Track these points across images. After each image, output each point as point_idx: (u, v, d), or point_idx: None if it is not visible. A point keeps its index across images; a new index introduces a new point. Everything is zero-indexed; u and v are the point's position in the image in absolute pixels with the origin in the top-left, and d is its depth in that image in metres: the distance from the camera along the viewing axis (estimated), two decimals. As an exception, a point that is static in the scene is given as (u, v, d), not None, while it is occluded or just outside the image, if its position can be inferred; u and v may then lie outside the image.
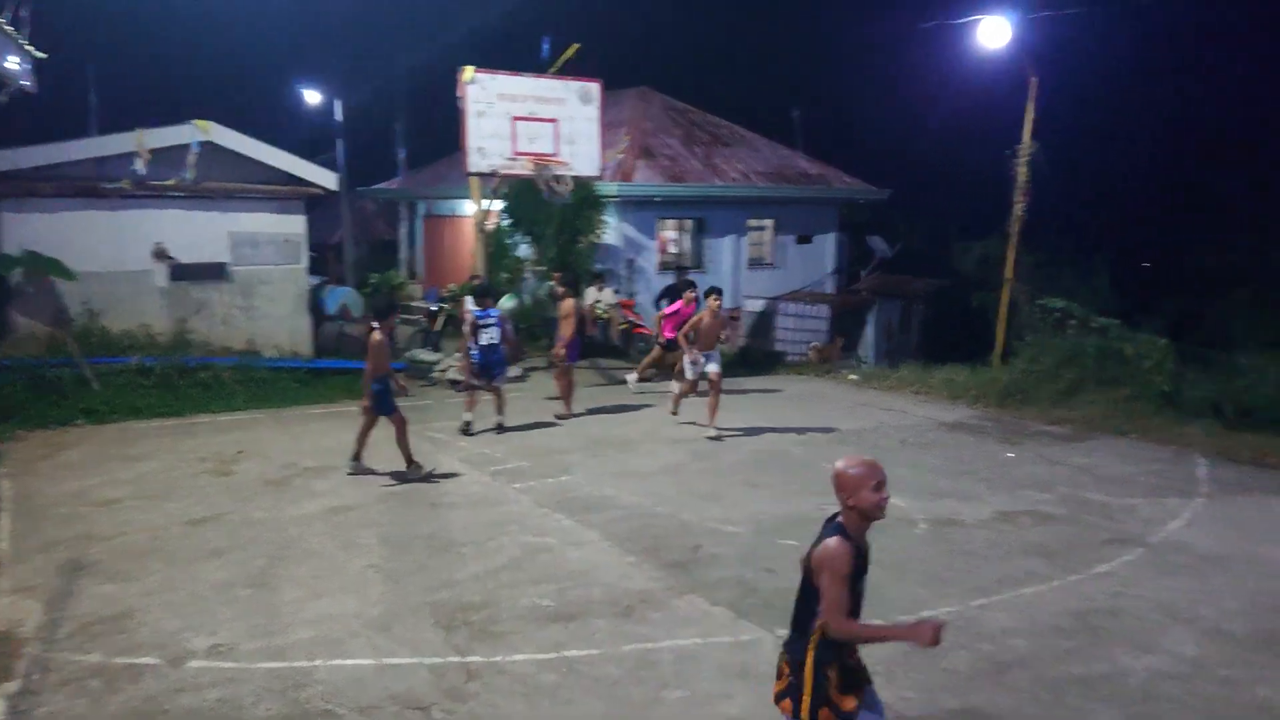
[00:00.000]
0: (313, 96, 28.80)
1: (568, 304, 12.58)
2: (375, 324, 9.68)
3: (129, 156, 13.71)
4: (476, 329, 11.43)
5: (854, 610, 3.63)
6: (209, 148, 14.23)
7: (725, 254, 20.75)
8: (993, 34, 15.38)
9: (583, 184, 17.08)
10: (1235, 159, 25.02)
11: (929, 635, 3.44)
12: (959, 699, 5.21)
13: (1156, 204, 26.20)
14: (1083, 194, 24.89)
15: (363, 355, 15.49)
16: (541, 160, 15.44)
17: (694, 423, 11.63)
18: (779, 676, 3.80)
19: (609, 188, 18.22)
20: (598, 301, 17.33)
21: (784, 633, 5.93)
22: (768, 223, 21.55)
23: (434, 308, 17.61)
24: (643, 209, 19.40)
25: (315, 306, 16.36)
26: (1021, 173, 15.68)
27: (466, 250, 18.96)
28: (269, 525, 8.08)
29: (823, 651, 3.60)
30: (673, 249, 20.65)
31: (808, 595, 3.67)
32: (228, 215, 14.68)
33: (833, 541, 3.58)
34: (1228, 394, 12.56)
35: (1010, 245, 15.98)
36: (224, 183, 14.55)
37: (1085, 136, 25.27)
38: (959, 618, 6.18)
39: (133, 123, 14.07)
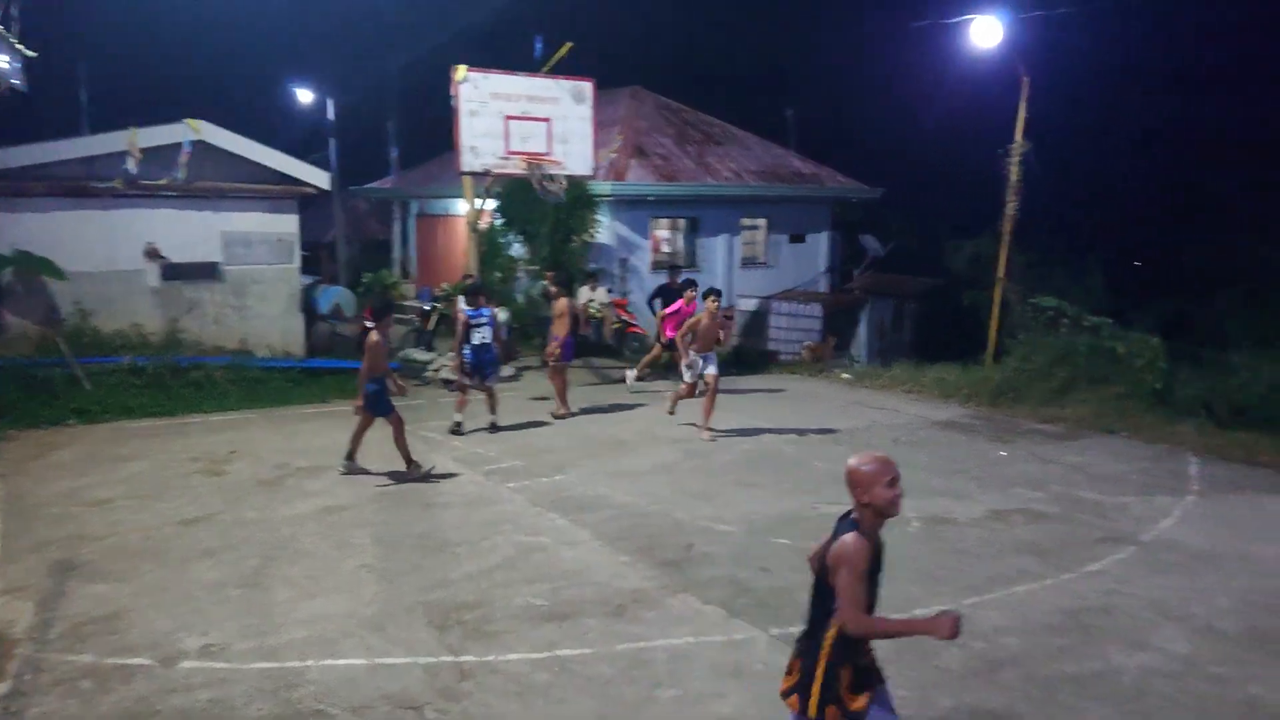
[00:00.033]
0: (305, 95, 28.76)
1: (562, 303, 12.58)
2: (369, 323, 9.65)
3: (120, 156, 13.67)
4: (469, 328, 11.42)
5: (871, 603, 3.63)
6: (201, 147, 14.20)
7: (718, 253, 20.76)
8: (985, 34, 15.40)
9: (576, 183, 17.08)
10: (1228, 158, 25.07)
11: (948, 628, 3.44)
12: (952, 697, 5.22)
13: (1149, 203, 26.24)
14: (1075, 193, 24.92)
15: (356, 355, 15.52)
16: (535, 159, 15.43)
17: (693, 424, 11.61)
18: (789, 672, 3.79)
19: (602, 187, 18.21)
20: (591, 301, 17.33)
21: (777, 631, 5.99)
22: (761, 222, 21.57)
23: (427, 307, 17.59)
24: (636, 208, 19.40)
25: (308, 306, 16.34)
26: (1013, 172, 15.70)
27: (459, 249, 18.95)
28: (261, 525, 8.06)
29: (837, 651, 3.59)
30: (666, 248, 20.65)
31: (822, 594, 3.66)
32: (220, 215, 14.65)
33: (850, 538, 3.57)
34: (1219, 393, 12.60)
35: (1002, 244, 16.01)
36: (216, 182, 14.52)
37: (1077, 136, 25.31)
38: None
39: (124, 122, 14.04)
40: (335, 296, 17.50)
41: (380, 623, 6.12)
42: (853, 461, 3.70)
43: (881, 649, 5.77)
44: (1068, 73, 22.82)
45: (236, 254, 14.83)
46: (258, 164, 14.86)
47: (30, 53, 12.77)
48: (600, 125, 17.35)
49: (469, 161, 15.16)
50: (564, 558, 7.35)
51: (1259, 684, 5.45)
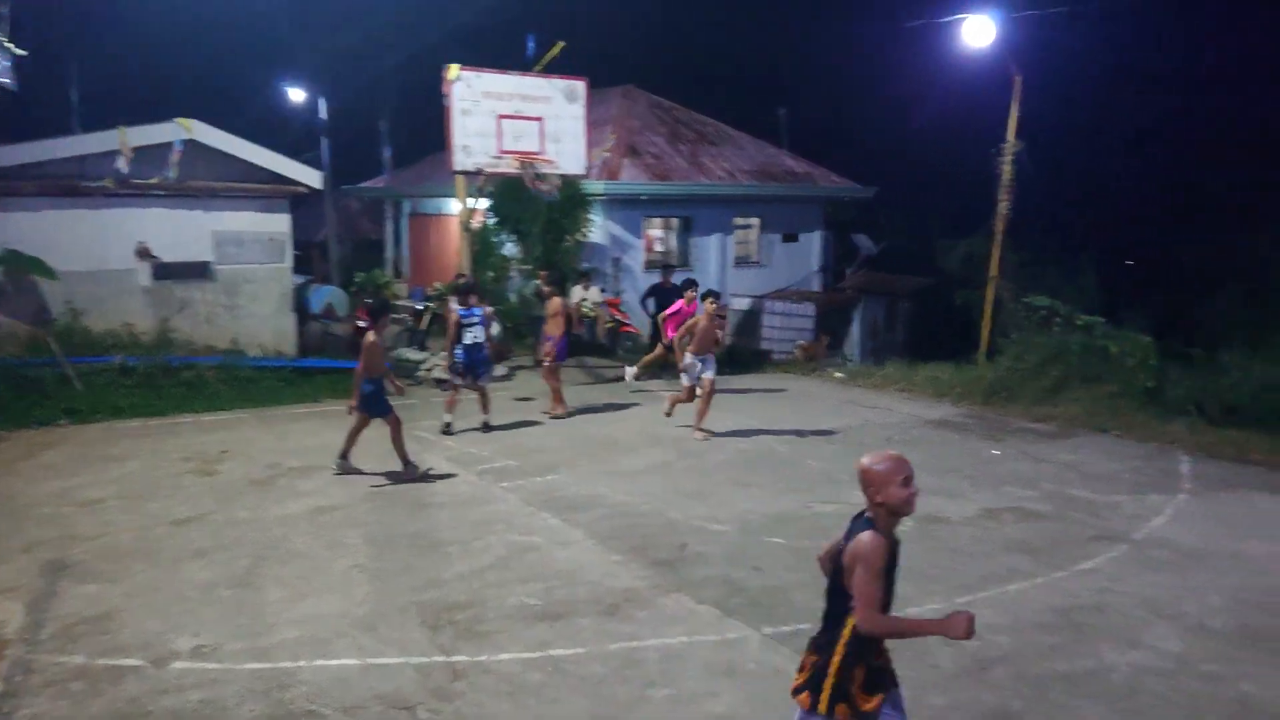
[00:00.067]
0: (297, 95, 28.69)
1: (555, 303, 12.56)
2: (361, 323, 9.64)
3: (111, 155, 13.62)
4: (461, 328, 11.40)
5: (887, 602, 3.61)
6: (192, 146, 14.16)
7: (711, 252, 20.76)
8: (977, 33, 15.43)
9: (569, 182, 17.07)
10: (1220, 158, 25.16)
11: (963, 628, 3.43)
12: (945, 696, 5.22)
13: (1141, 203, 26.31)
14: (1068, 192, 24.97)
15: (349, 354, 15.49)
16: (527, 158, 15.42)
17: (688, 425, 11.57)
18: (800, 670, 3.76)
19: (595, 186, 18.20)
20: (584, 300, 17.31)
21: (770, 630, 5.99)
22: (754, 221, 21.57)
23: (420, 307, 17.56)
24: (629, 207, 19.40)
25: (300, 305, 16.30)
26: (1006, 171, 15.74)
27: (452, 249, 18.91)
28: (253, 525, 8.04)
29: (851, 651, 3.56)
30: (659, 247, 20.65)
31: (837, 594, 3.62)
32: (211, 214, 14.61)
33: (866, 536, 3.54)
34: (1210, 391, 12.64)
35: (995, 243, 16.04)
36: (207, 181, 14.47)
37: (1070, 135, 25.36)
38: (943, 615, 6.18)
39: (115, 121, 13.99)
40: (327, 296, 17.47)
41: (372, 623, 6.10)
42: (865, 461, 3.65)
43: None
44: (1060, 72, 22.86)
45: (228, 253, 14.79)
46: (249, 163, 14.82)
47: (20, 51, 12.73)
48: (593, 124, 17.34)
49: (461, 161, 15.14)
50: (557, 557, 7.34)
51: (1251, 682, 5.46)
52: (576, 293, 17.14)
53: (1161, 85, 27.07)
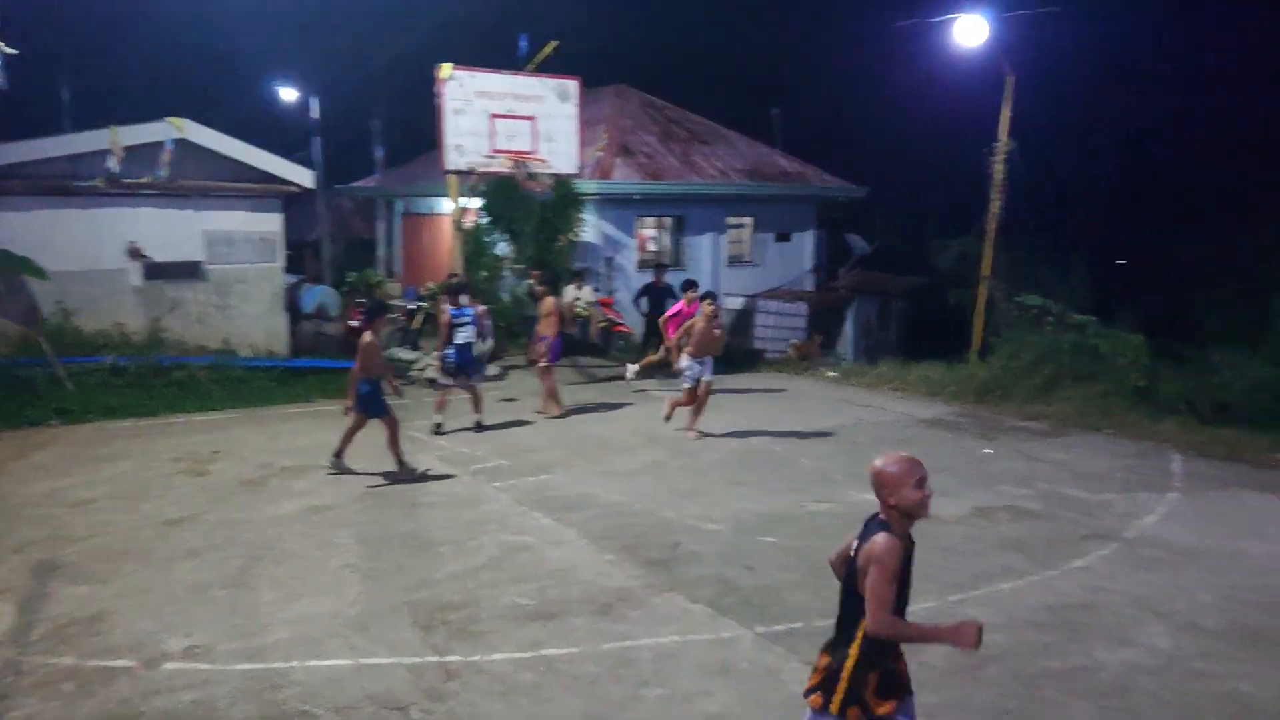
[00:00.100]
0: (289, 94, 28.60)
1: (548, 302, 12.55)
2: (353, 323, 9.62)
3: (102, 154, 13.60)
4: (452, 328, 11.38)
5: (903, 606, 3.58)
6: (183, 145, 14.13)
7: (704, 252, 20.76)
8: (969, 32, 15.45)
9: (561, 182, 17.06)
10: (1212, 156, 25.25)
11: (972, 639, 3.42)
12: (937, 694, 5.22)
13: (1133, 202, 26.41)
14: (1059, 192, 25.05)
15: (341, 354, 15.48)
16: (520, 158, 15.40)
17: (684, 427, 11.53)
18: (813, 671, 3.73)
19: (588, 185, 18.19)
20: (577, 299, 17.30)
21: (763, 629, 6.00)
22: (747, 220, 21.58)
23: (412, 306, 17.53)
24: (621, 207, 19.39)
25: (292, 305, 16.27)
26: (998, 170, 15.77)
27: (445, 248, 18.89)
28: (245, 525, 8.02)
29: (865, 654, 3.52)
30: (652, 247, 20.64)
31: (850, 597, 3.60)
32: (203, 213, 14.58)
33: (882, 538, 3.49)
34: (1202, 390, 12.70)
35: (987, 242, 16.07)
36: (199, 181, 14.45)
37: (1062, 135, 25.43)
38: (937, 614, 6.20)
39: (106, 120, 13.94)
40: (319, 296, 17.44)
41: (365, 623, 6.09)
42: (879, 463, 3.60)
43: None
44: (1052, 72, 22.91)
45: (220, 253, 14.76)
46: (241, 162, 14.79)
47: (10, 50, 12.68)
48: (585, 123, 17.34)
49: (454, 160, 15.13)
50: (550, 557, 7.33)
51: (1241, 679, 5.48)
52: (569, 292, 17.13)
53: (1152, 85, 27.18)
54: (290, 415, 12.58)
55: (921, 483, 3.53)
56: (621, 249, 19.56)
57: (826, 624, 6.01)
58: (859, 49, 31.42)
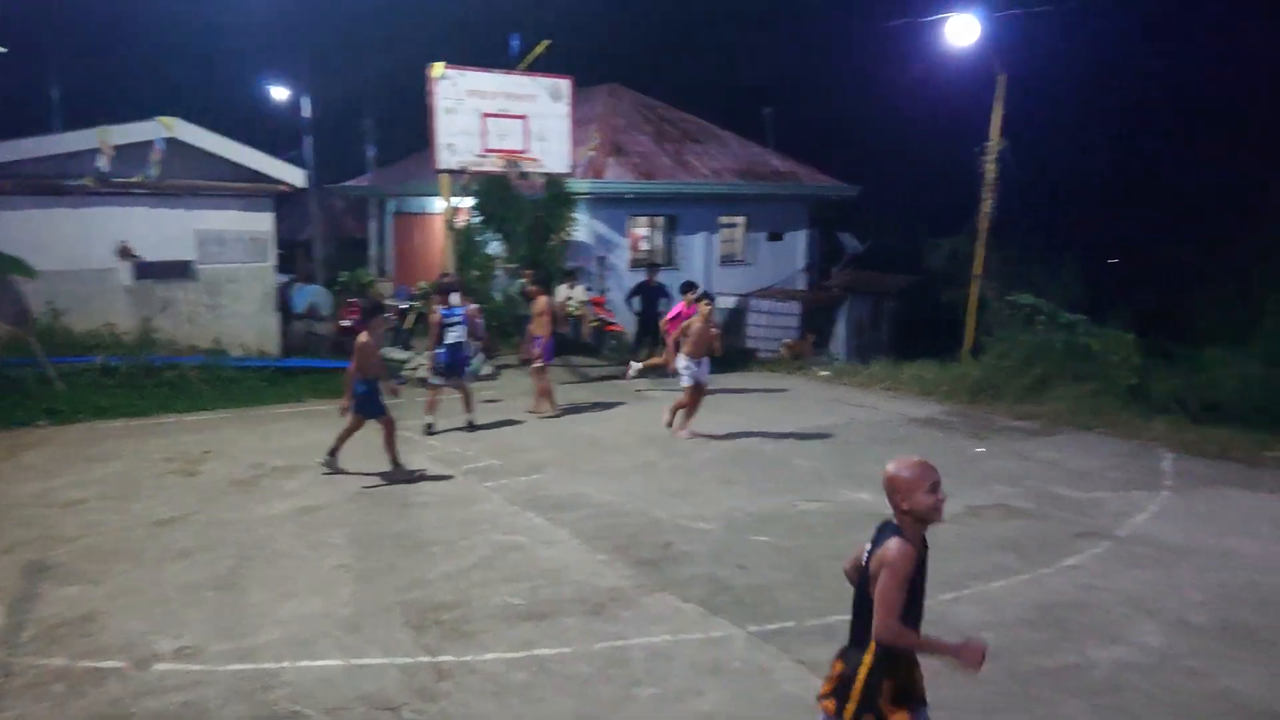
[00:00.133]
0: (280, 93, 28.56)
1: (541, 302, 12.52)
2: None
3: (92, 153, 13.53)
4: (442, 328, 11.36)
5: (917, 614, 3.54)
6: (174, 144, 14.08)
7: (697, 251, 20.75)
8: (961, 32, 15.49)
9: (554, 181, 17.05)
10: (1203, 156, 25.34)
11: (975, 658, 3.40)
12: (929, 692, 5.20)
13: (1124, 201, 26.49)
14: (1051, 191, 25.11)
15: (333, 354, 15.46)
16: (512, 157, 15.39)
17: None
18: (827, 678, 3.69)
19: (580, 185, 18.17)
20: (569, 299, 17.29)
21: (755, 629, 6.00)
22: (739, 220, 21.58)
23: (404, 306, 17.50)
24: (614, 206, 19.38)
25: (283, 305, 16.22)
26: (990, 169, 15.81)
27: (437, 248, 18.86)
28: (237, 526, 7.99)
29: (880, 662, 3.49)
30: (644, 246, 20.64)
31: (864, 603, 3.56)
32: (193, 213, 14.53)
33: (895, 543, 3.46)
34: (1192, 389, 12.74)
35: (979, 242, 16.11)
36: (189, 180, 14.39)
37: (1053, 134, 25.49)
38: (928, 612, 6.19)
39: (96, 119, 13.89)
40: (311, 295, 17.39)
41: (357, 623, 6.08)
42: (891, 467, 3.56)
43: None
44: (1044, 71, 22.97)
45: (210, 252, 14.71)
46: (232, 161, 14.73)
47: (0, 49, 12.62)
48: (578, 123, 17.34)
49: (445, 159, 15.12)
50: (542, 557, 7.32)
51: (1232, 676, 5.50)
52: (562, 291, 17.12)
53: (1144, 84, 27.24)
54: (282, 415, 12.55)
55: (935, 487, 3.50)
56: (614, 248, 19.55)
57: (819, 623, 6.07)
58: (851, 48, 31.49)
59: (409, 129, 21.68)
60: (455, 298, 11.67)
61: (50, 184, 13.45)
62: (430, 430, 11.32)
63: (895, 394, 14.60)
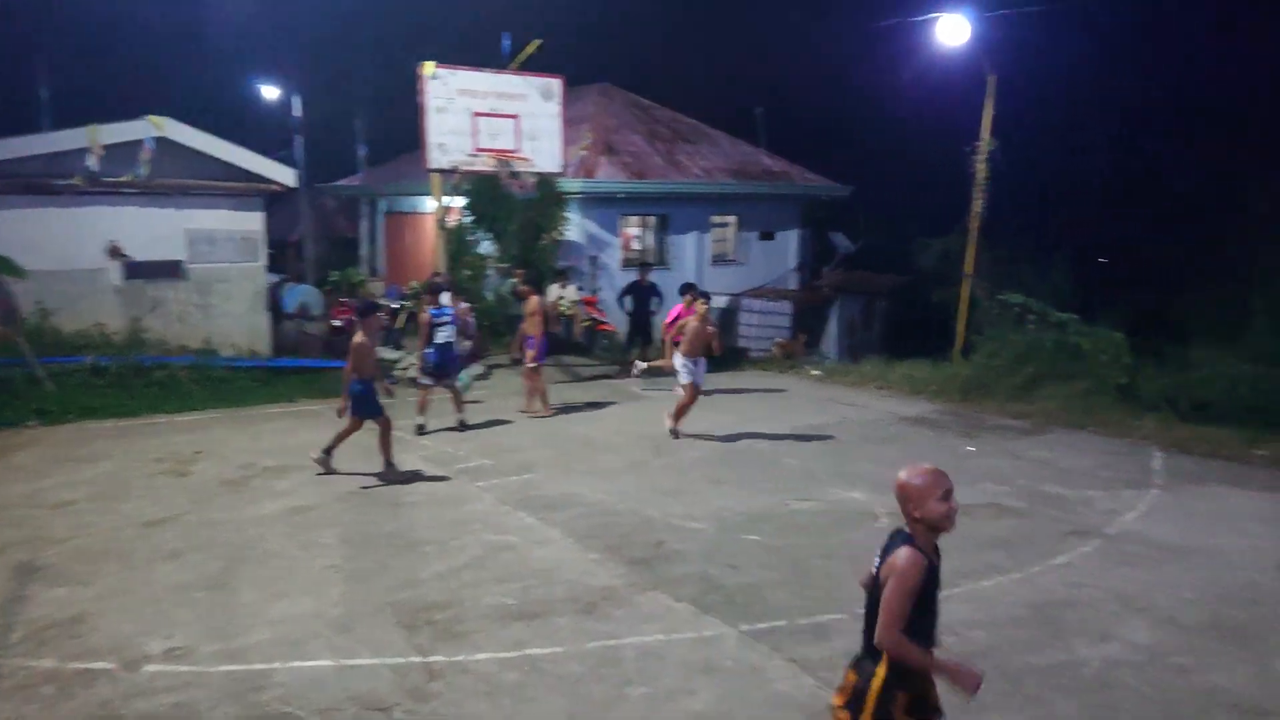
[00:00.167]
0: (271, 92, 28.47)
1: (533, 302, 12.51)
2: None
3: (81, 153, 13.47)
4: (432, 328, 11.35)
5: (929, 626, 3.51)
6: (164, 144, 14.03)
7: (689, 250, 20.77)
8: (952, 32, 15.51)
9: (545, 180, 17.03)
10: (1194, 155, 25.42)
11: (972, 684, 3.37)
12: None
13: (1115, 200, 26.56)
14: (1042, 190, 25.17)
15: (323, 354, 15.42)
16: (503, 156, 15.37)
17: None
18: (840, 689, 3.65)
19: (572, 184, 18.17)
20: (561, 298, 17.28)
21: (747, 628, 6.01)
22: (731, 219, 21.60)
23: (395, 305, 17.47)
24: (606, 206, 19.37)
25: (274, 304, 16.18)
26: (980, 170, 15.84)
27: (428, 247, 18.83)
28: (227, 526, 7.97)
29: (895, 673, 3.45)
30: (636, 246, 20.64)
31: (876, 613, 3.52)
32: (184, 212, 14.48)
33: (905, 552, 3.43)
34: (1182, 387, 12.78)
35: (970, 241, 16.14)
36: (180, 179, 14.34)
37: (1045, 134, 25.55)
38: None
39: (85, 118, 13.83)
40: (301, 295, 17.34)
41: (348, 623, 6.06)
42: (903, 475, 3.53)
43: (850, 642, 5.78)
44: (1035, 71, 23.04)
45: (201, 252, 14.66)
46: (222, 161, 14.68)
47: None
48: (569, 122, 17.31)
49: (437, 159, 15.09)
50: (534, 556, 7.32)
51: (1220, 673, 5.53)
52: (553, 291, 17.12)
53: (1135, 84, 27.34)
54: (272, 415, 12.52)
55: (947, 495, 3.47)
56: (606, 248, 19.55)
57: (810, 622, 6.08)
58: (842, 48, 31.52)
59: (400, 128, 21.63)
60: (445, 298, 11.65)
61: (39, 183, 13.39)
62: (421, 430, 11.30)
63: (886, 393, 14.63)
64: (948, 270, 17.80)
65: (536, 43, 16.98)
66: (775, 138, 25.27)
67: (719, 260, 21.40)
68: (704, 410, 12.42)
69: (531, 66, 16.61)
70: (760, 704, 5.14)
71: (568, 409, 12.99)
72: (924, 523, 3.48)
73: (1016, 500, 8.94)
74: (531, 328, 12.37)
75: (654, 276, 17.25)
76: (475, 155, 15.22)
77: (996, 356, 14.42)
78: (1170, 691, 5.33)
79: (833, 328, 20.10)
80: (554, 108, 16.04)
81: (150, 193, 14.10)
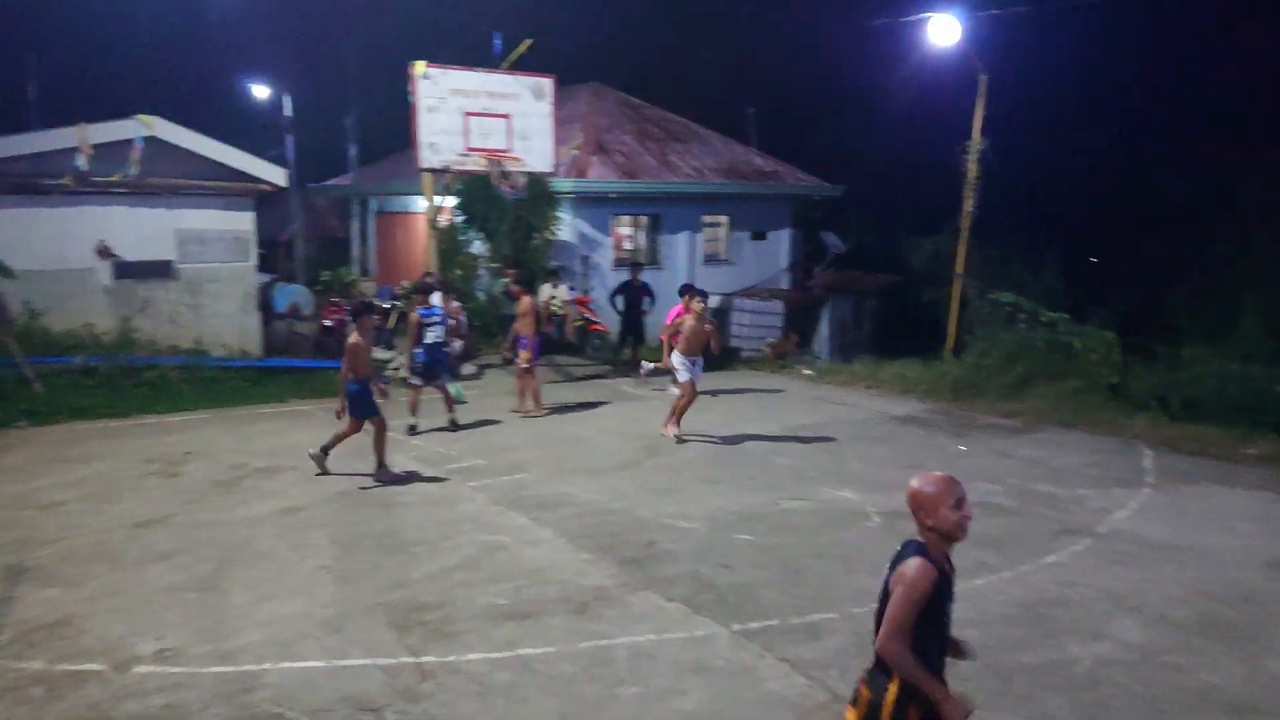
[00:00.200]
0: (261, 91, 28.40)
1: (525, 302, 12.49)
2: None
3: (71, 152, 13.41)
4: (421, 328, 11.32)
5: (940, 636, 3.47)
6: (153, 143, 13.98)
7: (680, 250, 20.76)
8: (942, 32, 15.54)
9: (537, 180, 17.01)
10: (1185, 155, 25.52)
11: (962, 716, 3.33)
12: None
13: (1105, 200, 26.65)
14: (1032, 190, 25.25)
15: (314, 354, 15.39)
16: (494, 156, 15.36)
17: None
18: (852, 703, 3.59)
19: (563, 184, 18.15)
20: (553, 298, 17.26)
21: (739, 627, 6.01)
22: (723, 219, 21.61)
23: (387, 305, 17.44)
24: (597, 205, 19.36)
25: (265, 304, 16.13)
26: (971, 169, 15.88)
27: (420, 247, 18.79)
28: (218, 527, 7.95)
29: (907, 690, 3.39)
30: (628, 245, 20.63)
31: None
32: (174, 212, 14.42)
33: (914, 561, 3.38)
34: (1173, 386, 12.82)
35: (961, 241, 16.18)
36: (170, 179, 14.28)
37: (1034, 134, 25.62)
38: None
39: (74, 117, 13.77)
40: (292, 295, 17.31)
41: (339, 624, 6.05)
42: (915, 483, 3.48)
43: (841, 640, 5.81)
44: (1026, 71, 23.09)
45: (191, 252, 14.61)
46: (212, 160, 14.63)
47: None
48: (561, 122, 17.32)
49: (428, 158, 15.08)
50: (525, 556, 7.31)
51: (1211, 671, 5.55)
52: (545, 291, 17.09)
53: (1124, 84, 27.43)
54: (263, 415, 12.48)
55: (960, 503, 3.42)
56: (597, 247, 19.54)
57: (802, 622, 6.09)
58: (834, 48, 31.53)
59: (391, 128, 21.60)
60: (435, 298, 11.62)
61: (28, 183, 13.32)
62: (413, 430, 11.28)
63: (877, 392, 14.65)
64: (939, 270, 17.85)
65: (528, 42, 16.99)
66: (767, 137, 25.33)
67: (711, 260, 21.40)
68: (696, 410, 12.40)
69: (523, 66, 16.62)
70: (752, 703, 5.14)
71: (560, 409, 12.98)
72: (937, 531, 3.43)
73: (1007, 499, 8.96)
74: (524, 327, 12.35)
75: (645, 276, 17.25)
76: (467, 155, 15.23)
77: (987, 356, 14.45)
78: (1161, 690, 5.35)
79: (824, 327, 20.11)
80: (545, 107, 16.05)
81: (140, 192, 14.04)
